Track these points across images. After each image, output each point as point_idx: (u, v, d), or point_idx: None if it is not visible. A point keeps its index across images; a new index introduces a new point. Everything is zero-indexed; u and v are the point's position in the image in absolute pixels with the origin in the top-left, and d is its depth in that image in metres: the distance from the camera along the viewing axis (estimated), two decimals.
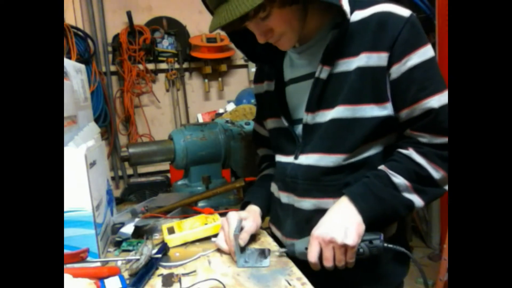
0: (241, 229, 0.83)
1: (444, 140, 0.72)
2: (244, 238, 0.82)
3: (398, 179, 0.73)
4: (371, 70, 0.72)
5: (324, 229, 0.72)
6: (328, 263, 0.72)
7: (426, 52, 0.71)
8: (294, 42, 0.80)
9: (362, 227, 0.72)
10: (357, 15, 0.74)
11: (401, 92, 0.73)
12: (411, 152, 0.74)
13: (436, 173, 0.73)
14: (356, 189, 0.75)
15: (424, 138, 0.74)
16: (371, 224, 0.73)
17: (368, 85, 0.73)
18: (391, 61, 0.71)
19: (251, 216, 0.89)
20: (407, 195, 0.74)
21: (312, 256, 0.72)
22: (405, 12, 0.72)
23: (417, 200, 0.74)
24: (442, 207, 2.62)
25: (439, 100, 0.71)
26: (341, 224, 0.71)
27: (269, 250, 0.82)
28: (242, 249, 0.81)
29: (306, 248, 0.74)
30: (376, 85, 0.73)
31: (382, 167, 0.76)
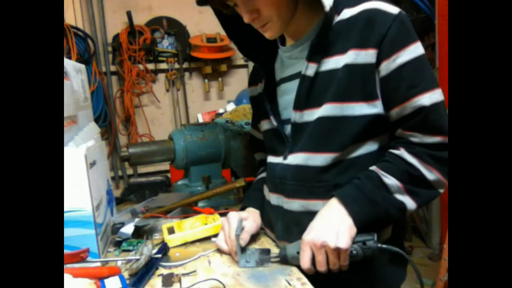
0: (242, 229, 0.83)
1: (436, 139, 0.71)
2: (245, 238, 0.82)
3: (390, 180, 0.72)
4: (359, 67, 0.72)
5: (315, 233, 0.70)
6: (321, 267, 0.70)
7: (415, 50, 0.71)
8: (280, 31, 0.79)
9: (353, 229, 0.71)
10: (346, 13, 0.74)
11: (391, 90, 0.72)
12: (402, 152, 0.73)
13: (429, 174, 0.72)
14: (346, 191, 0.74)
15: (416, 138, 0.73)
16: (362, 227, 0.72)
17: (357, 83, 0.73)
18: (380, 58, 0.71)
19: (251, 216, 0.89)
20: (399, 196, 0.73)
21: (305, 262, 0.71)
22: (393, 9, 0.71)
23: (409, 202, 0.73)
24: (442, 207, 2.62)
25: (430, 98, 0.70)
26: (332, 227, 0.70)
27: (269, 250, 0.82)
28: (243, 249, 0.81)
29: (298, 253, 0.73)
30: (365, 82, 0.72)
31: (373, 167, 0.75)
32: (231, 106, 2.84)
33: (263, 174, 1.02)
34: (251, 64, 3.16)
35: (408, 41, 0.70)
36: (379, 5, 0.72)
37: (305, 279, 0.72)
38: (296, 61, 0.83)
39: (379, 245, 0.71)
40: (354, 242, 0.71)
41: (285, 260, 0.77)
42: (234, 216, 0.85)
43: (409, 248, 2.75)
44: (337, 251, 0.69)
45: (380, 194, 0.72)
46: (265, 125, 0.93)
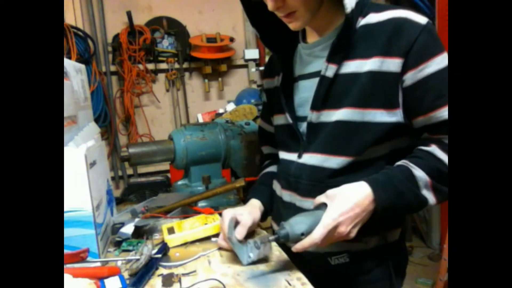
0: (236, 224, 0.82)
1: None
2: (240, 232, 0.81)
3: (419, 173, 0.71)
4: (384, 75, 0.71)
5: (347, 216, 0.68)
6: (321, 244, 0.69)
7: (443, 60, 0.70)
8: (305, 23, 0.78)
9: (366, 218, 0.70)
10: (373, 18, 0.74)
11: (417, 99, 0.72)
12: (434, 149, 0.72)
13: None
14: (377, 177, 0.73)
15: (447, 140, 0.72)
16: (380, 215, 0.71)
17: (380, 90, 0.72)
18: (406, 67, 0.70)
19: (247, 210, 0.89)
20: (425, 192, 0.72)
21: (327, 232, 0.67)
22: (421, 19, 0.71)
23: (432, 199, 0.72)
24: (442, 207, 2.63)
25: None
26: (361, 218, 0.69)
27: (267, 236, 0.81)
28: (243, 244, 0.79)
29: (303, 234, 0.68)
30: (388, 90, 0.72)
31: (402, 161, 0.74)
32: (231, 106, 2.84)
33: (270, 168, 1.02)
34: (251, 64, 3.17)
35: (436, 51, 0.70)
36: (407, 14, 0.71)
37: (305, 279, 0.72)
38: (316, 60, 0.82)
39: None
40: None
41: (286, 239, 0.70)
42: (227, 215, 0.84)
43: (409, 248, 2.75)
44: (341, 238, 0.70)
45: (408, 188, 0.71)
46: (278, 120, 0.92)
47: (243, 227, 0.83)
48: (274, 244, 0.89)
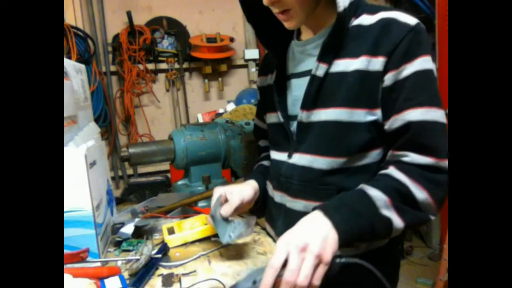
0: (221, 204, 0.81)
1: (428, 160, 0.66)
2: (226, 210, 0.80)
3: (374, 192, 0.66)
4: (370, 74, 0.71)
5: (297, 234, 0.60)
6: (293, 276, 0.55)
7: (422, 63, 0.68)
8: (300, 22, 0.78)
9: (337, 245, 0.61)
10: (365, 19, 0.74)
11: (390, 101, 0.70)
12: (391, 170, 0.69)
13: (418, 192, 0.66)
14: (328, 203, 0.68)
15: (407, 157, 0.69)
16: (347, 241, 0.63)
17: (366, 90, 0.72)
18: (388, 68, 0.69)
19: (239, 188, 0.87)
20: (385, 211, 0.65)
21: (277, 262, 0.56)
22: (411, 20, 0.70)
23: (396, 220, 0.66)
24: (442, 207, 2.62)
25: (422, 114, 0.67)
26: (318, 234, 0.60)
27: (254, 218, 0.79)
28: (227, 223, 0.79)
29: (254, 282, 0.59)
30: (372, 90, 0.71)
31: (358, 187, 0.70)
32: (231, 106, 2.84)
33: (265, 162, 1.02)
34: (251, 64, 3.17)
35: (418, 53, 0.68)
36: (397, 15, 0.71)
37: None
38: (308, 58, 0.82)
39: (339, 260, 0.61)
40: None
41: None
42: (216, 193, 0.84)
43: (409, 248, 2.75)
44: (318, 260, 0.57)
45: (364, 205, 0.66)
46: (271, 118, 0.92)
47: (230, 205, 0.81)
48: (274, 244, 0.89)
